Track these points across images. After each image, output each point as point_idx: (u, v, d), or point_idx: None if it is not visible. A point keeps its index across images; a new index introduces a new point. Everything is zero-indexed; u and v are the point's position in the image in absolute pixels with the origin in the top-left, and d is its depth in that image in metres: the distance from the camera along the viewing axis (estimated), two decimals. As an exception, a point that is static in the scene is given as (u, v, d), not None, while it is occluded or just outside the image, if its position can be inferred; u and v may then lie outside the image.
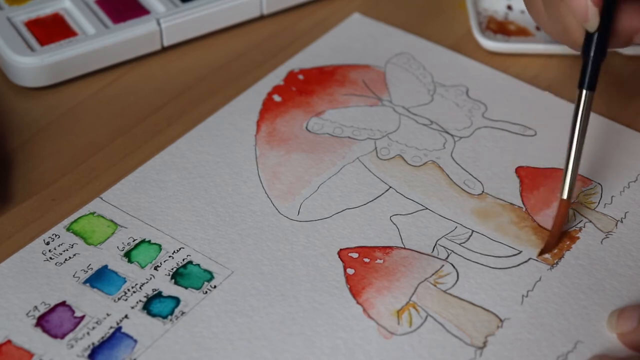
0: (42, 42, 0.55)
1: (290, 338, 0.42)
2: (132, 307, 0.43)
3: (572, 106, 0.52)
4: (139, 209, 0.47)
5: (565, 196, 0.45)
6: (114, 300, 0.43)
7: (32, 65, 0.53)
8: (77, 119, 0.53)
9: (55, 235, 0.46)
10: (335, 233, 0.46)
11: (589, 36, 0.44)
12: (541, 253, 0.45)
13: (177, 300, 0.43)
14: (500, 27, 0.58)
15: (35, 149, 0.51)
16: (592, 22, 0.43)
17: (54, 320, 0.42)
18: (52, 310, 0.42)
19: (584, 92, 0.45)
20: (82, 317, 0.42)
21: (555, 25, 0.46)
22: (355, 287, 0.44)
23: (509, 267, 0.45)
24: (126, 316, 0.42)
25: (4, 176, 0.49)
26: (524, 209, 0.47)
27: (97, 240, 0.46)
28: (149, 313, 0.43)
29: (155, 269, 0.44)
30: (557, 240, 0.46)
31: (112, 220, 0.47)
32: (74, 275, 0.44)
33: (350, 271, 0.44)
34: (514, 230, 0.46)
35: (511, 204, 0.48)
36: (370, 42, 0.58)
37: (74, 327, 0.42)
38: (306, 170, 0.49)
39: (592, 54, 0.44)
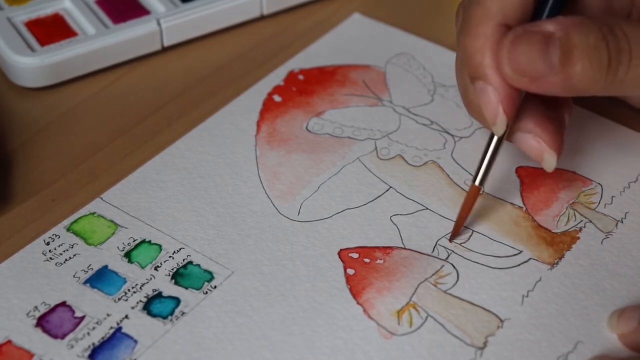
0: (42, 42, 0.55)
1: (290, 338, 0.42)
2: (133, 308, 0.43)
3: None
4: (139, 209, 0.47)
5: (477, 182, 0.45)
6: (114, 301, 0.43)
7: (32, 65, 0.53)
8: (77, 119, 0.53)
9: (56, 236, 0.46)
10: (336, 233, 0.46)
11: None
12: (451, 239, 0.45)
13: (177, 301, 0.43)
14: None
15: (35, 149, 0.51)
16: (499, 128, 0.43)
17: (54, 321, 0.42)
18: (52, 310, 0.43)
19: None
20: (83, 318, 0.42)
21: (460, 81, 0.46)
22: (355, 288, 0.44)
23: (509, 267, 0.45)
24: (126, 316, 0.42)
25: (4, 176, 0.49)
26: (524, 209, 0.47)
27: (97, 241, 0.46)
28: (149, 313, 0.43)
29: (156, 269, 0.44)
30: (462, 224, 0.46)
31: (112, 221, 0.47)
32: (74, 276, 0.44)
33: (350, 271, 0.44)
34: (514, 230, 0.46)
35: (511, 203, 0.48)
36: (370, 42, 0.58)
37: (74, 328, 0.42)
38: (306, 171, 0.49)
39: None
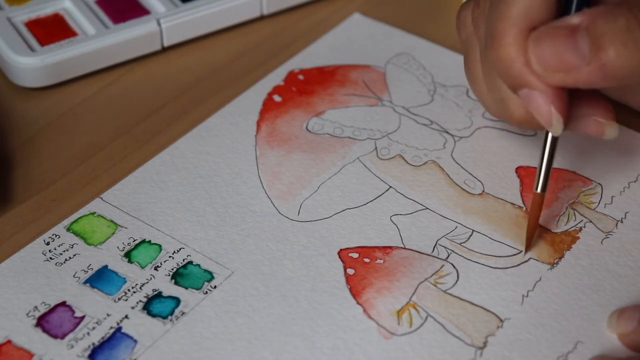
0: (42, 42, 0.55)
1: (290, 338, 0.42)
2: (132, 308, 0.43)
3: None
4: (139, 209, 0.47)
5: (539, 190, 0.45)
6: (114, 301, 0.43)
7: (32, 65, 0.53)
8: (77, 119, 0.53)
9: (55, 235, 0.46)
10: (335, 233, 0.46)
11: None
12: (526, 251, 0.45)
13: (177, 301, 0.43)
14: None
15: (35, 149, 0.51)
16: (557, 129, 0.43)
17: (54, 321, 0.42)
18: (52, 310, 0.43)
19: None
20: (82, 318, 0.42)
21: (493, 95, 0.45)
22: (355, 288, 0.44)
23: (509, 267, 0.45)
24: (126, 316, 0.42)
25: (4, 176, 0.49)
26: (524, 209, 0.47)
27: (97, 241, 0.46)
28: (149, 313, 0.43)
29: (156, 269, 0.44)
30: (533, 235, 0.45)
31: (112, 221, 0.47)
32: (74, 276, 0.44)
33: (350, 271, 0.44)
34: (514, 230, 0.46)
35: (511, 203, 0.48)
36: (370, 42, 0.58)
37: (74, 327, 0.42)
38: (306, 171, 0.49)
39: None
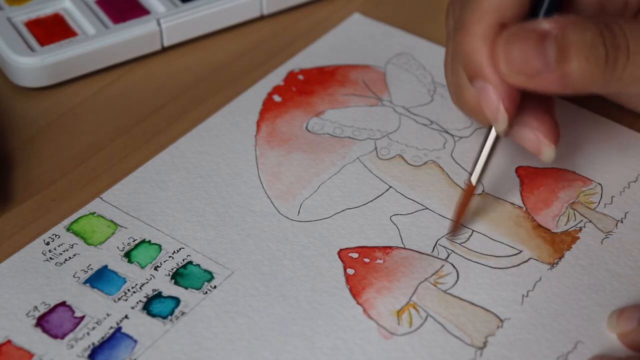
0: (42, 42, 0.55)
1: (290, 338, 0.42)
2: (132, 308, 0.43)
3: (572, 107, 0.53)
4: (139, 209, 0.47)
5: (474, 181, 0.45)
6: (114, 301, 0.43)
7: (32, 65, 0.53)
8: (77, 119, 0.53)
9: (55, 235, 0.46)
10: (335, 233, 0.46)
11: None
12: (450, 237, 0.46)
13: (177, 301, 0.43)
14: (500, 27, 0.58)
15: (35, 149, 0.51)
16: (501, 126, 0.43)
17: (54, 321, 0.42)
18: (52, 310, 0.43)
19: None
20: (82, 318, 0.42)
21: (453, 78, 0.46)
22: (355, 288, 0.44)
23: (509, 267, 0.45)
24: (126, 316, 0.42)
25: (4, 176, 0.49)
26: (524, 209, 0.47)
27: (97, 241, 0.46)
28: (149, 313, 0.43)
29: (155, 269, 0.44)
30: (457, 224, 0.46)
31: (112, 221, 0.47)
32: (74, 276, 0.44)
33: (350, 271, 0.44)
34: (514, 230, 0.46)
35: (511, 203, 0.48)
36: (370, 42, 0.58)
37: (74, 327, 0.42)
38: (306, 171, 0.49)
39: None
